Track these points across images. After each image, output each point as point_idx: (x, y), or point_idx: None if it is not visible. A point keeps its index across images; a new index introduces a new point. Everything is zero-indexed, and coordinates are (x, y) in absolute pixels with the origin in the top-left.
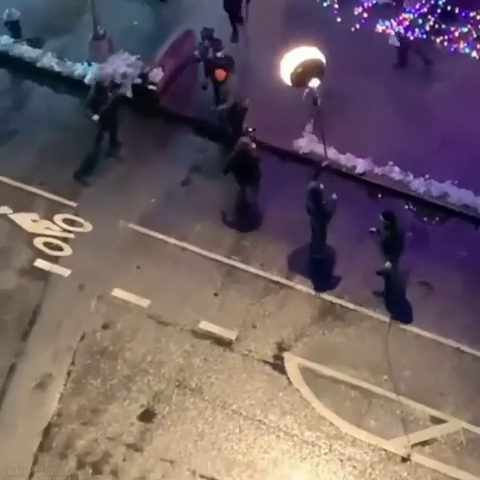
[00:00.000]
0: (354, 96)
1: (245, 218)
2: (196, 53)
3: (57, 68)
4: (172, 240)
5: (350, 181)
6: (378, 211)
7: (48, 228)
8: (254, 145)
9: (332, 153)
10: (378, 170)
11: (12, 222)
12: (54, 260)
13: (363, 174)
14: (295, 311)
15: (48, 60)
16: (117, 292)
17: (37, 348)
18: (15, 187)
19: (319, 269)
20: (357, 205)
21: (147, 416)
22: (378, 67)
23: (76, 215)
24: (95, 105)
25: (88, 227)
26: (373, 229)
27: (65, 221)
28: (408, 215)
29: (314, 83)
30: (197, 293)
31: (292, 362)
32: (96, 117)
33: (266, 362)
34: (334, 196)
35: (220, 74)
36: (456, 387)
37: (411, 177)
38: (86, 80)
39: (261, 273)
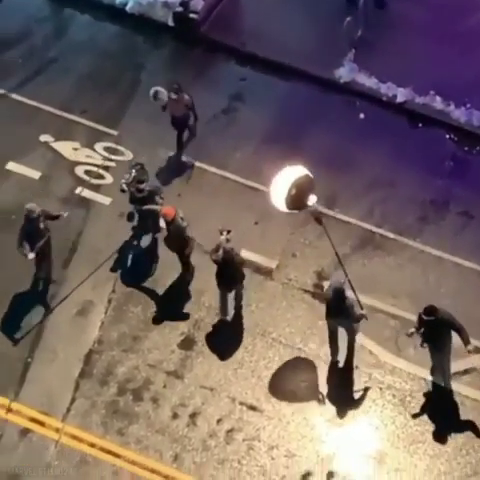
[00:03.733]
0: (396, 25)
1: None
2: (122, 182)
3: None
4: (212, 169)
5: (390, 110)
6: (418, 141)
7: (89, 156)
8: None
9: (373, 82)
10: (419, 99)
11: (53, 150)
12: (95, 188)
13: (404, 103)
14: (335, 240)
15: None
16: None
17: (78, 275)
18: (56, 115)
19: None
20: (397, 135)
21: (187, 344)
22: None
23: (117, 143)
24: (29, 240)
25: (129, 155)
26: (412, 330)
27: (106, 149)
28: (449, 144)
29: (313, 200)
30: (237, 222)
31: None
32: (32, 255)
33: (306, 291)
34: (364, 312)
35: (167, 213)
36: None
37: (452, 106)
38: (127, 8)
39: None
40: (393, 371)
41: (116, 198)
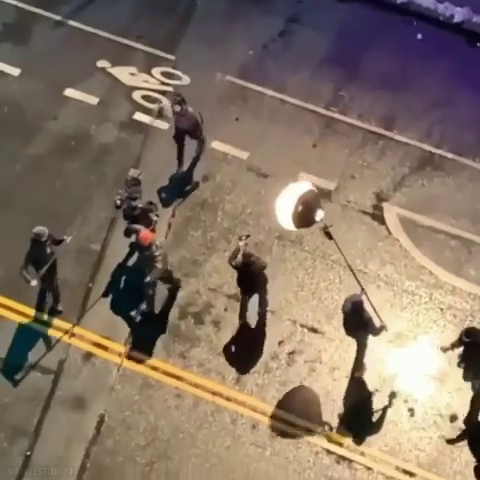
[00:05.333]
0: None
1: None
2: (117, 198)
3: None
4: (270, 92)
5: (448, 30)
6: (477, 61)
7: (146, 81)
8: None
9: (430, 2)
10: (477, 19)
11: (110, 76)
12: (153, 113)
13: (462, 23)
14: (394, 161)
15: None
16: (216, 144)
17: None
18: (112, 41)
19: None
20: (455, 55)
21: None
22: None
23: (174, 68)
24: (34, 264)
25: (186, 80)
26: (446, 346)
27: (163, 74)
28: None
29: (320, 215)
30: (296, 145)
31: (391, 212)
32: (35, 282)
33: (365, 212)
34: (383, 323)
35: (145, 238)
36: None
37: None
38: None
39: (359, 124)
40: (454, 291)
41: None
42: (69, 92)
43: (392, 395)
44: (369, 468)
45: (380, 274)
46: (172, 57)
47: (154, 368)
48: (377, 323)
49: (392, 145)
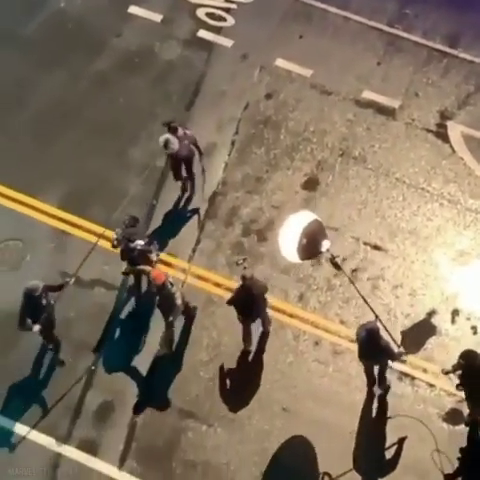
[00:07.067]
0: None
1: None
2: (114, 238)
3: None
4: (333, 9)
5: None
6: None
7: None
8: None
9: None
10: None
11: None
12: (217, 31)
13: None
14: (458, 79)
15: None
16: (280, 62)
17: (201, 118)
18: None
19: None
20: None
21: (311, 185)
22: None
23: None
24: (31, 316)
25: None
26: (447, 369)
27: None
28: None
29: (326, 245)
30: (360, 62)
31: (455, 130)
32: (37, 327)
33: (429, 130)
34: (401, 349)
35: (158, 276)
36: None
37: None
38: None
39: (424, 42)
40: None
41: (238, 40)
42: (133, 9)
43: (454, 313)
44: (431, 385)
45: (443, 192)
46: None
47: (217, 285)
48: (395, 348)
49: (456, 63)
